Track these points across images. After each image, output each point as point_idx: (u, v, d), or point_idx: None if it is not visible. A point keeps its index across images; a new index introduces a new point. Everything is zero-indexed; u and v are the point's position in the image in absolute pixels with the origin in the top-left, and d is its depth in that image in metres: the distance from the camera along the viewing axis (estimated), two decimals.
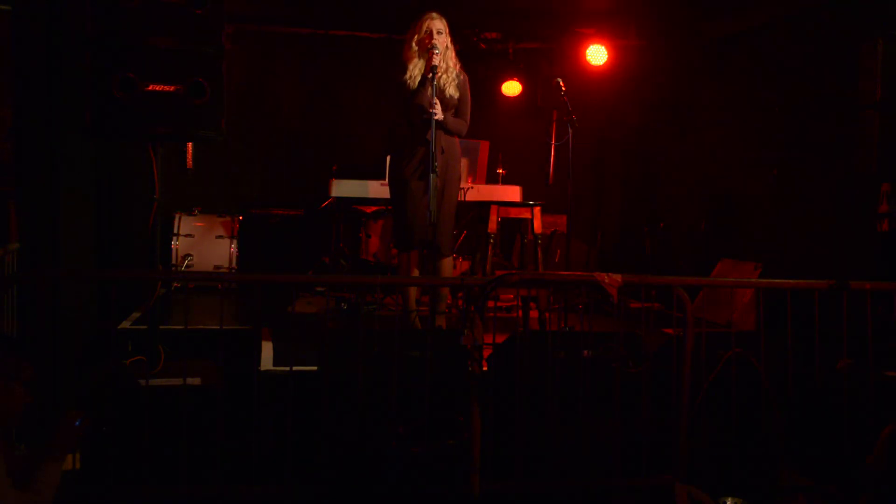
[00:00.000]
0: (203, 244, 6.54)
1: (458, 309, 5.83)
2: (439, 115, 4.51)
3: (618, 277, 3.49)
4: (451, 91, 4.68)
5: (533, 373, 3.62)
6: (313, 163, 7.60)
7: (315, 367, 3.73)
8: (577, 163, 5.04)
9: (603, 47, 7.49)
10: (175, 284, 6.09)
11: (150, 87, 3.79)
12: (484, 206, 5.61)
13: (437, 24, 4.61)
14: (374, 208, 6.69)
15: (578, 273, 3.62)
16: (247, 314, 5.18)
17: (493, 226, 5.49)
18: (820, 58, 5.51)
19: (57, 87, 4.13)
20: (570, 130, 4.98)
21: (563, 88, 5.08)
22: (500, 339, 3.88)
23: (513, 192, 6.67)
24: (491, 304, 3.81)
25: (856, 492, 3.50)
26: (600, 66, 7.58)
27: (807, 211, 5.64)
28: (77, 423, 2.70)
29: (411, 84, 4.64)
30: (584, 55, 7.55)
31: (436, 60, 4.47)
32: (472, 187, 6.40)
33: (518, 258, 7.05)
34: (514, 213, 5.72)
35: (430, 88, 4.45)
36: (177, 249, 6.47)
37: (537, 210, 5.58)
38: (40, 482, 2.58)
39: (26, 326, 4.02)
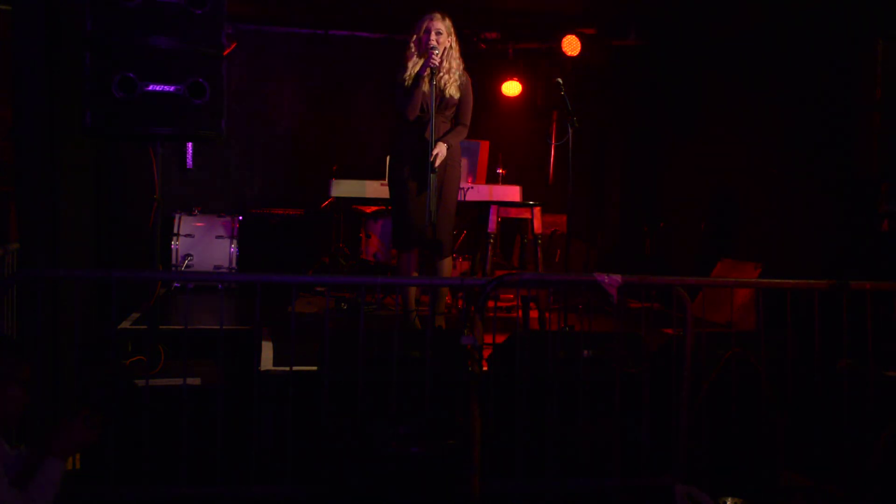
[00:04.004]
0: (203, 244, 6.54)
1: (458, 309, 5.82)
2: (439, 160, 4.53)
3: (618, 277, 3.49)
4: (452, 91, 4.64)
5: (533, 373, 3.62)
6: (313, 163, 7.61)
7: (315, 367, 3.73)
8: (577, 163, 5.03)
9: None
10: (175, 284, 6.10)
11: (150, 87, 3.80)
12: (484, 206, 5.60)
13: (438, 25, 4.56)
14: (374, 208, 6.70)
15: (578, 273, 3.61)
16: (247, 314, 5.17)
17: (493, 226, 5.48)
18: (820, 58, 5.50)
19: (57, 87, 4.12)
20: (570, 130, 4.97)
21: (564, 88, 5.07)
22: (500, 339, 3.88)
23: (513, 192, 6.67)
24: (491, 304, 3.80)
25: (856, 492, 3.50)
26: (601, 66, 7.57)
27: (807, 211, 5.63)
28: (84, 421, 2.69)
29: (409, 83, 4.59)
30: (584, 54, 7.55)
31: (434, 61, 4.44)
32: (472, 187, 6.40)
33: (518, 258, 7.05)
34: (514, 213, 5.71)
35: (427, 87, 4.44)
36: (177, 249, 6.47)
37: (537, 210, 5.58)
38: (40, 482, 2.58)
39: (26, 326, 4.02)
